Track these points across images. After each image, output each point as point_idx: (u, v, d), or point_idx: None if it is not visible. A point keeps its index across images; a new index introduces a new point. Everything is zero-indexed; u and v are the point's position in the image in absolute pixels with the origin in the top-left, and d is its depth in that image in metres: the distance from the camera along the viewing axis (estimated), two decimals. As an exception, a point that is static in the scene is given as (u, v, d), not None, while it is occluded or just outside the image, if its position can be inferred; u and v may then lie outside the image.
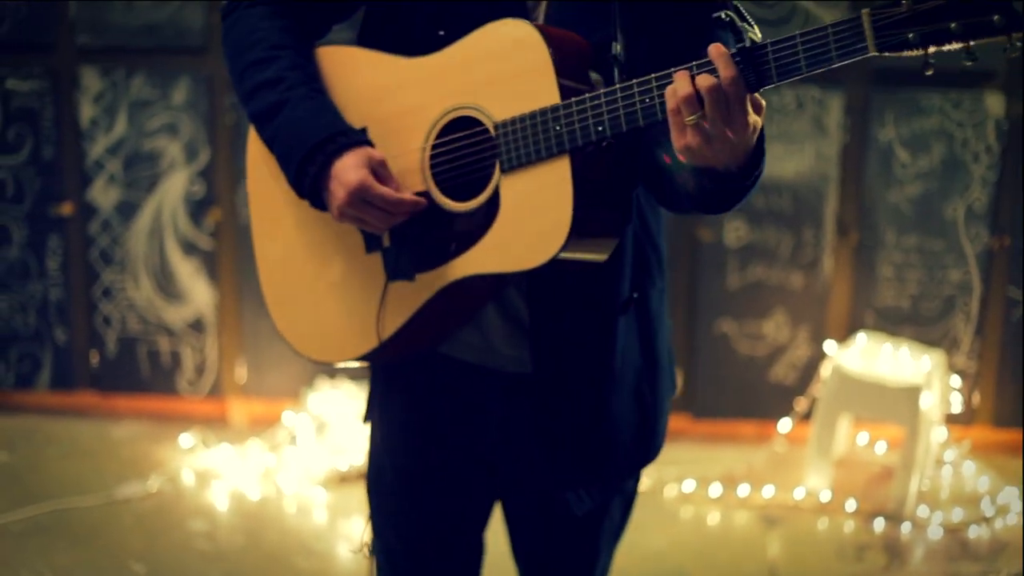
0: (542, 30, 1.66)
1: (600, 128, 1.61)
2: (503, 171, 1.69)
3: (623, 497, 2.00)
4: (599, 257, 1.74)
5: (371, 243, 1.84)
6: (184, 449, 4.28)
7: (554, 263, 1.66)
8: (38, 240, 4.47)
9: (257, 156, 1.94)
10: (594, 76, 1.71)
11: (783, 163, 4.26)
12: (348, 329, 1.87)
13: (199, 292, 4.46)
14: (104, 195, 4.41)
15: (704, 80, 1.49)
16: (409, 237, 1.79)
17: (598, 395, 1.86)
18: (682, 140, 1.53)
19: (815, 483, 4.01)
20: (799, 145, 4.27)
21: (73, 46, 4.35)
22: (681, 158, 1.57)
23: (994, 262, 4.33)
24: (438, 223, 1.76)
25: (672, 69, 1.56)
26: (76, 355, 4.55)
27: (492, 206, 1.71)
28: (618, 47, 1.72)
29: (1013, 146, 4.26)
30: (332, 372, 4.40)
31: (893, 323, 4.35)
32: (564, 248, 1.64)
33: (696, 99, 1.50)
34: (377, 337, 1.83)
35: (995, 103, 4.22)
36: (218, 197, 4.41)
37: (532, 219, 1.68)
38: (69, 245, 4.48)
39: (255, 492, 3.99)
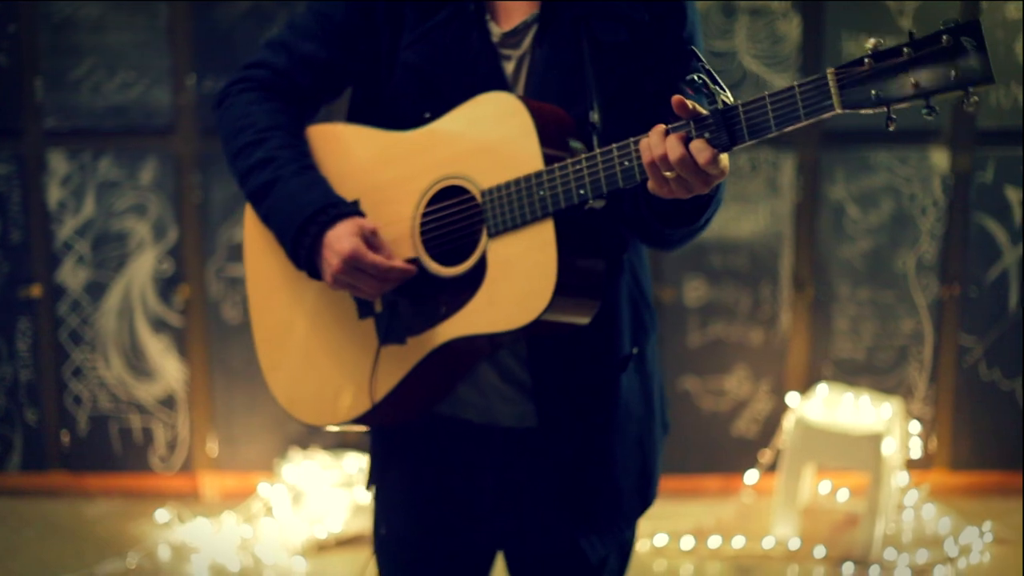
0: (525, 101, 1.85)
1: (582, 191, 1.78)
2: (490, 236, 1.86)
3: (620, 546, 2.17)
4: (582, 320, 1.90)
5: (364, 309, 2.00)
6: (160, 524, 4.46)
7: (540, 326, 1.82)
8: (7, 322, 4.67)
9: (252, 232, 2.11)
10: (575, 144, 1.88)
11: (739, 223, 4.57)
12: (341, 393, 2.02)
13: (169, 369, 4.67)
14: (73, 276, 4.62)
15: (675, 151, 1.67)
16: (400, 302, 1.95)
17: (604, 447, 2.05)
18: (660, 188, 1.72)
19: (783, 532, 4.27)
20: (754, 205, 4.58)
21: (40, 130, 4.57)
22: (656, 193, 1.74)
23: (944, 311, 4.66)
24: (428, 288, 1.93)
25: (650, 133, 1.72)
26: (47, 436, 4.75)
27: (480, 270, 1.88)
28: (595, 115, 1.91)
29: (958, 199, 4.60)
30: (305, 443, 4.62)
31: (850, 374, 4.65)
32: (548, 309, 1.80)
33: (668, 160, 1.68)
34: (370, 400, 1.97)
35: (940, 159, 4.56)
36: (187, 274, 4.64)
37: (518, 281, 1.83)
38: (38, 327, 4.68)
39: (234, 564, 4.18)
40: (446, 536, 2.14)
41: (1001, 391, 4.69)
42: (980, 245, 4.63)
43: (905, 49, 1.55)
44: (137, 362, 4.68)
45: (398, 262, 1.91)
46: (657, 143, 1.70)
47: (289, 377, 2.10)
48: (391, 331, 1.96)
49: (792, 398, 4.55)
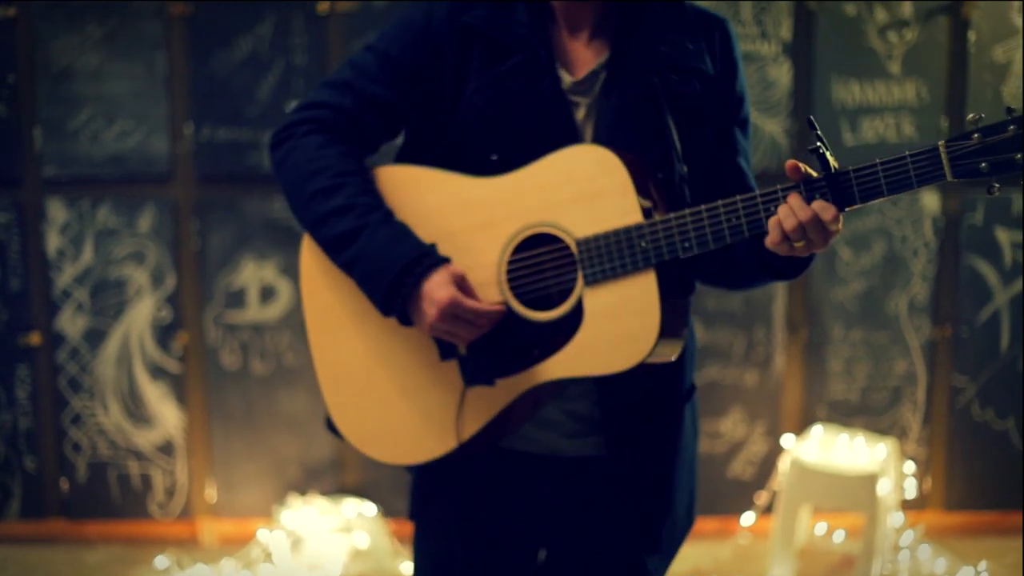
0: (620, 154, 1.94)
1: (687, 245, 1.90)
2: (587, 283, 1.95)
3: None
4: (670, 358, 2.01)
5: (446, 351, 2.05)
6: (159, 571, 4.48)
7: (636, 366, 1.92)
8: (6, 370, 4.71)
9: (312, 272, 2.15)
10: (653, 191, 1.98)
11: (732, 266, 4.61)
12: (424, 432, 2.08)
13: (168, 415, 4.70)
14: (72, 324, 4.66)
15: (804, 212, 1.79)
16: (487, 345, 2.01)
17: (667, 474, 2.14)
18: (781, 245, 1.84)
19: (781, 573, 4.31)
20: (746, 248, 4.62)
21: (39, 178, 4.62)
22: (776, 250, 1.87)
23: (937, 352, 4.72)
24: (515, 331, 2.01)
25: (759, 192, 1.86)
26: (46, 483, 4.78)
27: (573, 315, 1.96)
28: (684, 168, 2.03)
29: (949, 241, 4.66)
30: (304, 489, 4.64)
31: (845, 415, 4.70)
32: (651, 353, 1.91)
33: (801, 226, 1.80)
34: (456, 439, 2.04)
35: (930, 201, 4.63)
36: (185, 321, 4.68)
37: (620, 327, 1.93)
38: (37, 374, 4.72)
39: (234, 611, 4.20)
40: (494, 565, 2.19)
41: (994, 431, 4.74)
42: (971, 286, 4.69)
43: (1011, 126, 1.72)
44: (136, 409, 4.72)
45: (493, 305, 1.98)
46: (788, 208, 1.82)
47: (361, 416, 2.14)
48: (478, 373, 2.03)
49: (787, 440, 4.60)
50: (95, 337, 4.70)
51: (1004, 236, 4.66)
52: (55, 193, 4.64)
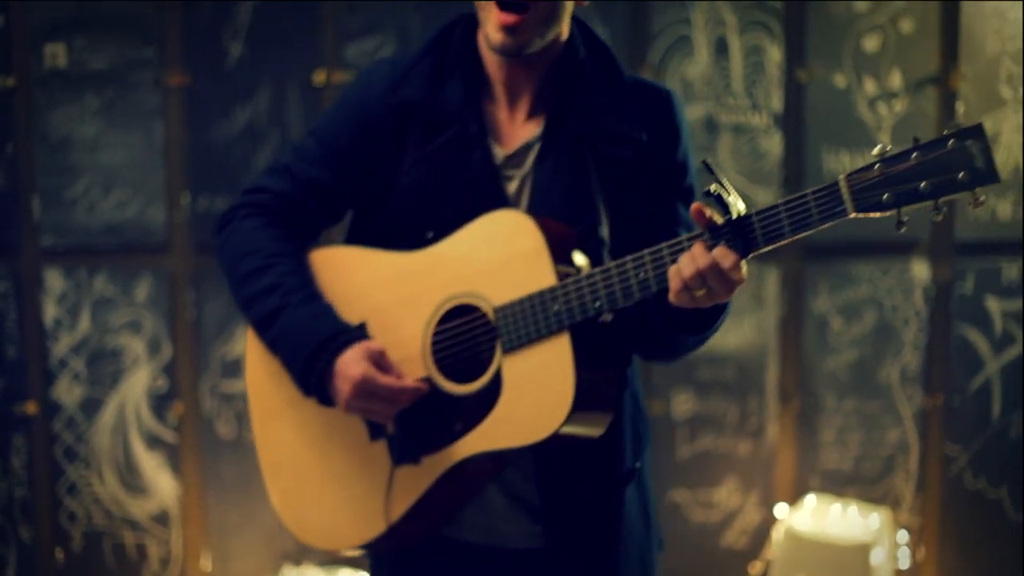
0: (535, 218, 1.93)
1: (597, 304, 1.86)
2: (504, 351, 1.92)
3: None
4: (595, 433, 1.96)
5: (375, 431, 2.04)
6: (153, 642, 4.47)
7: (556, 439, 1.87)
8: (2, 439, 4.71)
9: (255, 356, 2.16)
10: (579, 258, 1.94)
11: (726, 336, 4.64)
12: (355, 516, 2.05)
13: (163, 485, 4.70)
14: (68, 393, 4.66)
15: (703, 259, 1.75)
16: (413, 422, 1.99)
17: (610, 566, 2.10)
18: (681, 296, 1.80)
19: (774, 645, 4.30)
20: (739, 318, 4.66)
21: (37, 248, 4.63)
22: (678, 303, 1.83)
23: (929, 421, 4.74)
24: (441, 406, 1.98)
25: (665, 244, 1.82)
26: (41, 553, 4.76)
27: (495, 385, 1.94)
28: (604, 231, 2.00)
29: (940, 310, 4.69)
30: (298, 559, 4.63)
31: (838, 484, 4.71)
32: (567, 421, 1.86)
33: (697, 268, 1.77)
34: (385, 521, 2.02)
35: (921, 270, 4.66)
36: (181, 391, 4.69)
37: (535, 395, 1.89)
38: (33, 443, 4.71)
39: None
40: None
41: (987, 500, 4.76)
42: (962, 355, 4.71)
43: (914, 154, 1.66)
44: (131, 479, 4.71)
45: (409, 382, 1.96)
46: (689, 256, 1.78)
47: (300, 504, 2.12)
48: (405, 451, 2.00)
49: (781, 509, 4.61)
50: (91, 406, 4.70)
51: (995, 305, 4.69)
52: (52, 262, 4.65)
